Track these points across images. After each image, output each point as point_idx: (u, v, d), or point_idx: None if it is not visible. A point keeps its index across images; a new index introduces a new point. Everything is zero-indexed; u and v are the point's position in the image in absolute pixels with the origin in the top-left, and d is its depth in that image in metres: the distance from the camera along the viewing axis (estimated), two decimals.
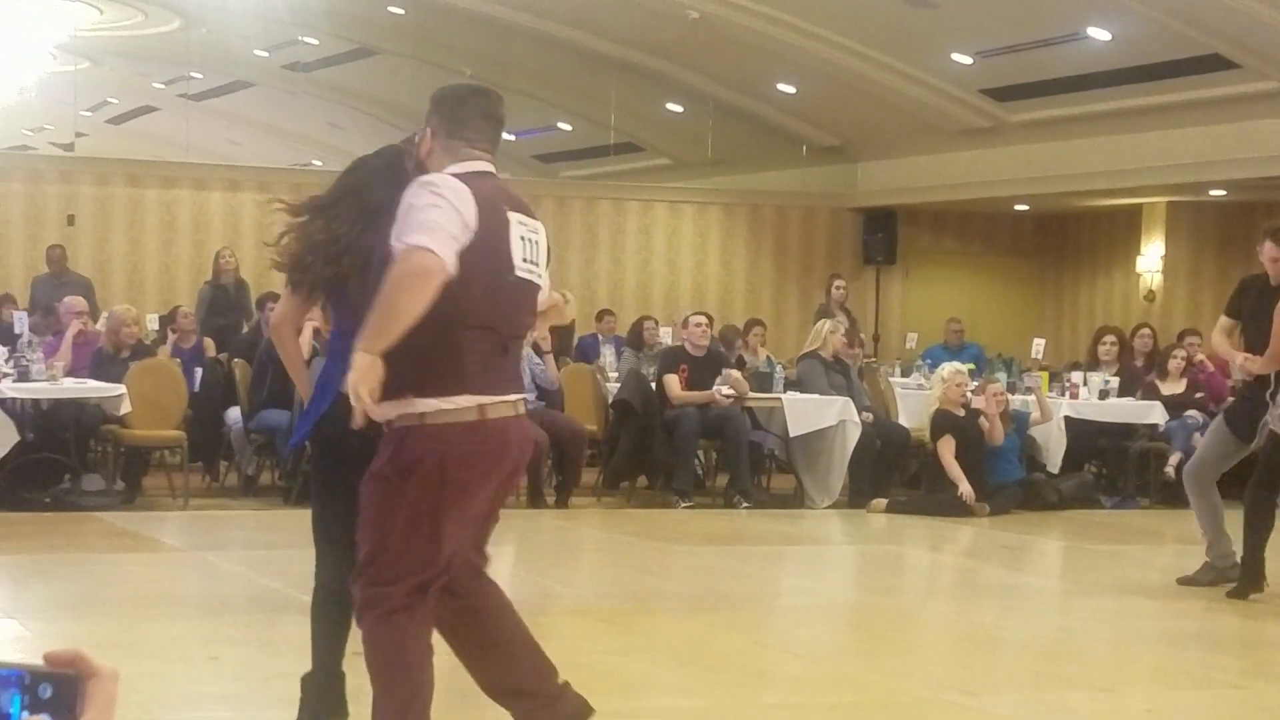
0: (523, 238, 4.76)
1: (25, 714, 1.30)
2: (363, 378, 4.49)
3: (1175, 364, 14.68)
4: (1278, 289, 9.48)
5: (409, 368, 4.58)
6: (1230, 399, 10.92)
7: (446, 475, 4.66)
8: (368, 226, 5.14)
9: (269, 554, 10.51)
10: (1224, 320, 9.87)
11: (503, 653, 5.02)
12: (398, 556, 4.75)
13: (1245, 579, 9.45)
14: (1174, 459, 14.15)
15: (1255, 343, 9.50)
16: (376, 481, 4.73)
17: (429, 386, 4.63)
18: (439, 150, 4.85)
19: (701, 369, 13.62)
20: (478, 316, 4.65)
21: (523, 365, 8.61)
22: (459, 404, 4.65)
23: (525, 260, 4.75)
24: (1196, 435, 14.23)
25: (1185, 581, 9.80)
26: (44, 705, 1.30)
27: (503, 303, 4.71)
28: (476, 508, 4.80)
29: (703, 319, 13.96)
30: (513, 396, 4.78)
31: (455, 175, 4.71)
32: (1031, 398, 14.33)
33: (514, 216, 4.75)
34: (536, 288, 4.85)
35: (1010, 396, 14.18)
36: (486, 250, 4.61)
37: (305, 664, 5.77)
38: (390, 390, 4.60)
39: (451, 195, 4.57)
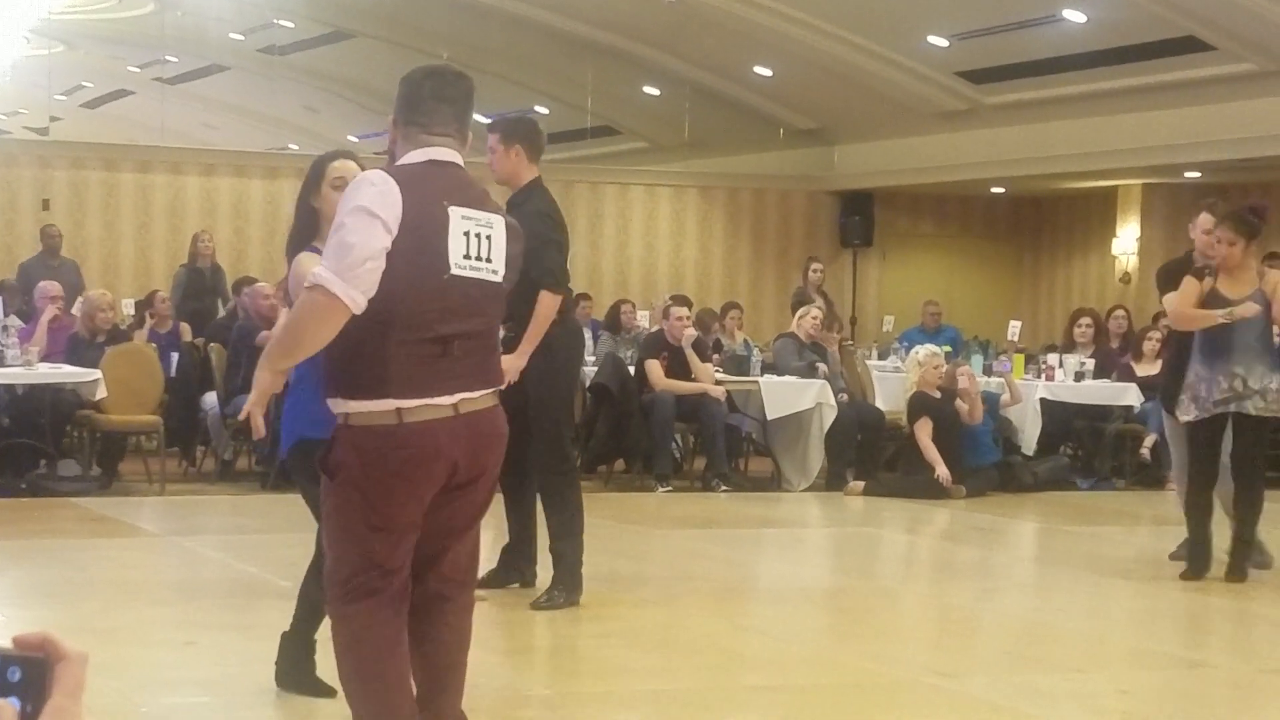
0: (468, 233, 4.55)
1: None
2: (260, 399, 4.93)
3: (1150, 345, 14.71)
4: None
5: (340, 369, 4.58)
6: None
7: (367, 479, 4.56)
8: None
9: (246, 539, 10.50)
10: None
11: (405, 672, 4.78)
12: (337, 558, 4.68)
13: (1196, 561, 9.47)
14: (1149, 440, 14.20)
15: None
16: (323, 481, 4.72)
17: (356, 390, 4.55)
18: (400, 138, 4.73)
19: (681, 358, 13.62)
20: (406, 318, 4.50)
21: None
22: (381, 407, 4.52)
23: (469, 257, 4.55)
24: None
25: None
26: (12, 688, 1.30)
27: (434, 302, 4.52)
28: (409, 514, 4.59)
29: (684, 311, 13.88)
30: (451, 398, 4.55)
31: (405, 166, 4.60)
32: (1002, 380, 14.36)
33: (458, 211, 4.54)
34: (489, 284, 4.62)
35: (982, 378, 14.23)
36: (415, 250, 4.45)
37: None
38: (326, 390, 4.65)
39: (378, 200, 4.42)
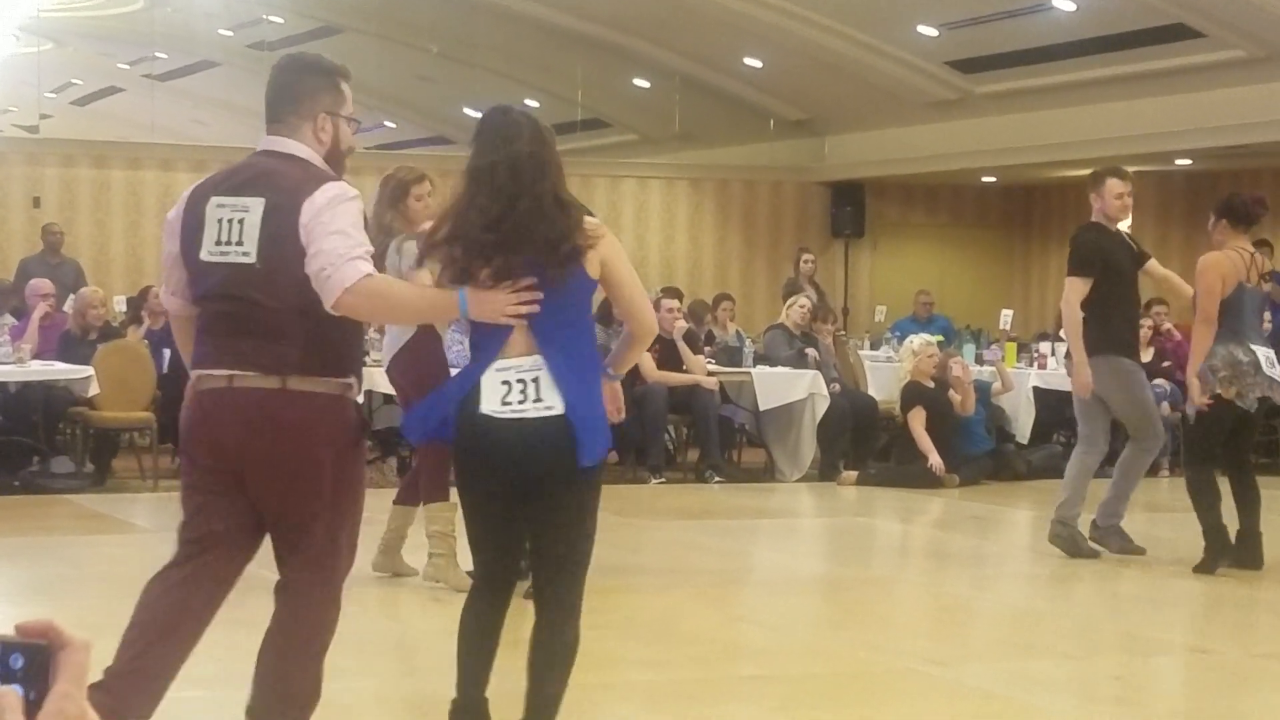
0: (220, 219, 4.78)
1: None
2: None
3: (1142, 333, 14.71)
4: (1120, 237, 9.81)
5: None
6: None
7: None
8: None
9: None
10: (1080, 283, 9.64)
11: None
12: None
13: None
14: None
15: (1129, 299, 9.75)
16: None
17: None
18: None
19: (672, 349, 13.63)
20: (195, 297, 4.88)
21: (447, 345, 8.63)
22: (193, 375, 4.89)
23: (219, 242, 4.77)
24: (1164, 404, 14.30)
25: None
26: (15, 676, 1.31)
27: (199, 283, 4.84)
28: (196, 478, 4.88)
29: (675, 303, 13.88)
30: (219, 371, 4.77)
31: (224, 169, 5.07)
32: (994, 368, 14.38)
33: (215, 200, 4.81)
34: (239, 265, 4.74)
35: (975, 367, 14.25)
36: (186, 240, 4.84)
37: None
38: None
39: (171, 213, 4.98)
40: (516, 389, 4.75)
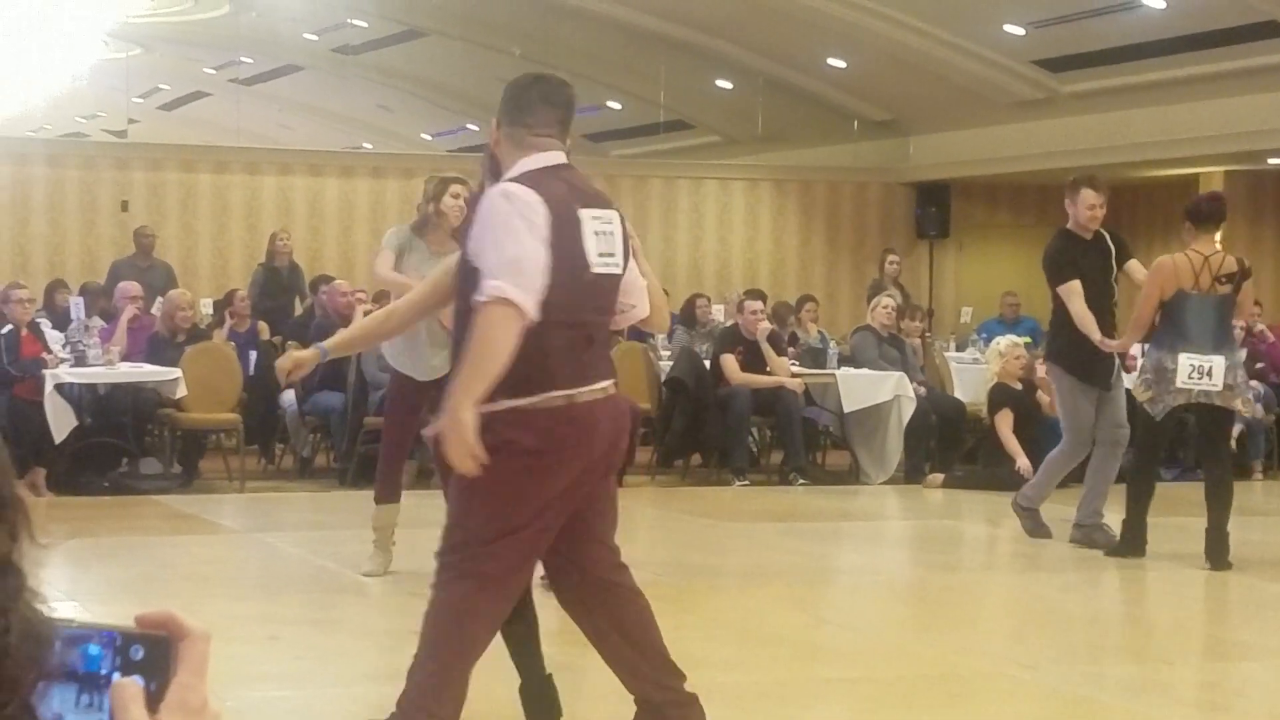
0: (596, 232, 4.80)
1: (117, 675, 1.29)
2: (460, 439, 4.52)
3: (1235, 334, 14.54)
4: (1096, 243, 9.93)
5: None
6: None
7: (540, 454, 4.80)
8: None
9: (325, 535, 10.55)
10: (1069, 287, 9.94)
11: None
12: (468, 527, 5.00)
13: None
14: (1235, 430, 14.03)
15: (1100, 308, 9.88)
16: None
17: (519, 386, 4.69)
18: (504, 140, 4.93)
19: (756, 351, 13.59)
20: (559, 313, 4.66)
21: None
22: (547, 398, 4.73)
23: (601, 255, 4.79)
24: (1257, 406, 14.12)
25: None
26: (135, 666, 1.30)
27: (584, 298, 4.77)
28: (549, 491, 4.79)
29: (759, 305, 13.80)
30: (601, 385, 4.83)
31: (527, 174, 4.75)
32: None
33: (586, 213, 4.77)
34: (617, 278, 4.88)
35: None
36: (562, 253, 4.65)
37: (361, 640, 5.78)
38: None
39: (527, 213, 4.61)
40: None
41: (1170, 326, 9.42)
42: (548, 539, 4.82)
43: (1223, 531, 9.43)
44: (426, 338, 8.12)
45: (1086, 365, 9.99)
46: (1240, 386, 9.60)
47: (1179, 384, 9.35)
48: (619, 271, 4.87)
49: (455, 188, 8.72)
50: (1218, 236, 9.86)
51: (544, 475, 4.71)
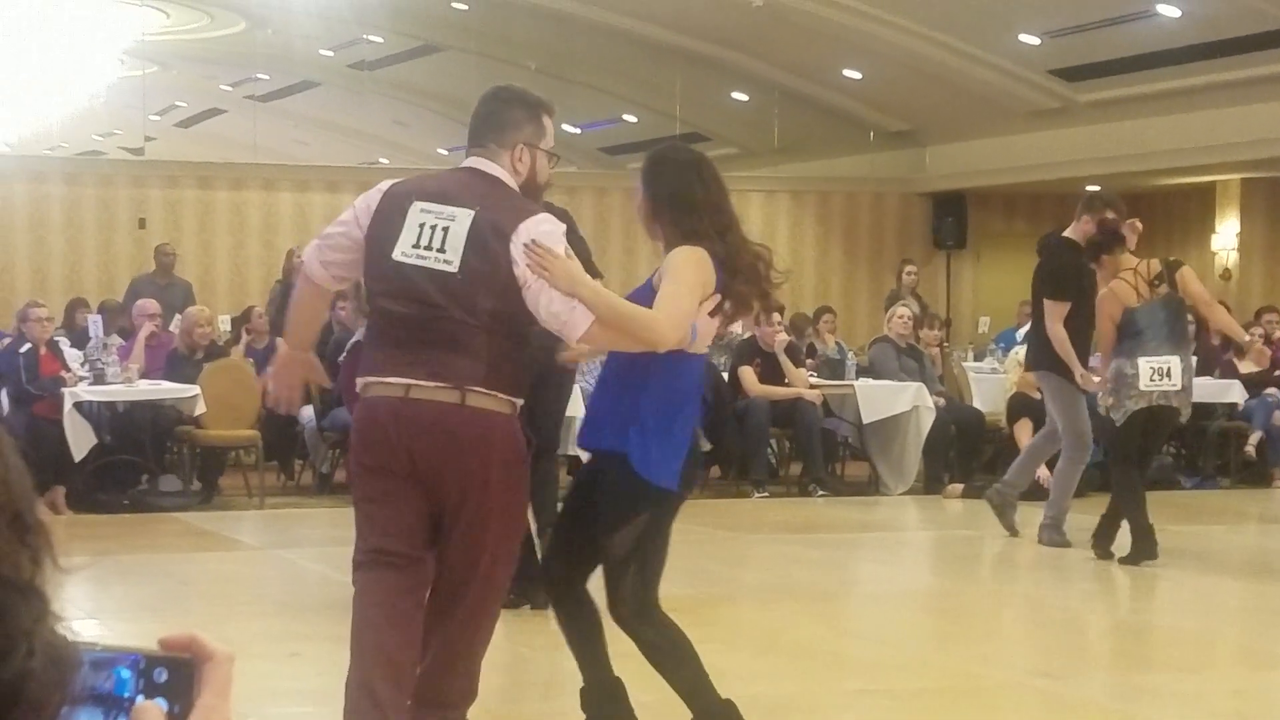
0: (422, 224, 4.79)
1: (140, 698, 1.28)
2: (275, 371, 5.43)
3: (1256, 342, 14.49)
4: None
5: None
6: None
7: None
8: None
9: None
10: (1061, 307, 10.19)
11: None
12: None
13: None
14: (1254, 438, 14.01)
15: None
16: None
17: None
18: None
19: (774, 363, 13.57)
20: (371, 297, 4.99)
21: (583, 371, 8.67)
22: (361, 382, 4.90)
23: (416, 246, 4.77)
24: (1276, 413, 14.08)
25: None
26: (159, 689, 1.29)
27: (385, 284, 4.86)
28: (369, 487, 4.88)
29: (776, 317, 13.75)
30: (399, 380, 4.76)
31: (423, 175, 5.26)
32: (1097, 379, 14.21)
33: (419, 205, 4.82)
34: (436, 273, 4.75)
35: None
36: (373, 238, 4.86)
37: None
38: None
39: (360, 200, 4.96)
40: None
41: (1126, 338, 9.74)
42: (380, 516, 4.85)
43: (1116, 526, 9.90)
44: None
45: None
46: (1190, 390, 9.93)
47: (1141, 387, 9.64)
48: (443, 269, 4.74)
49: None
50: (1129, 251, 10.08)
51: (354, 451, 4.95)
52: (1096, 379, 10.09)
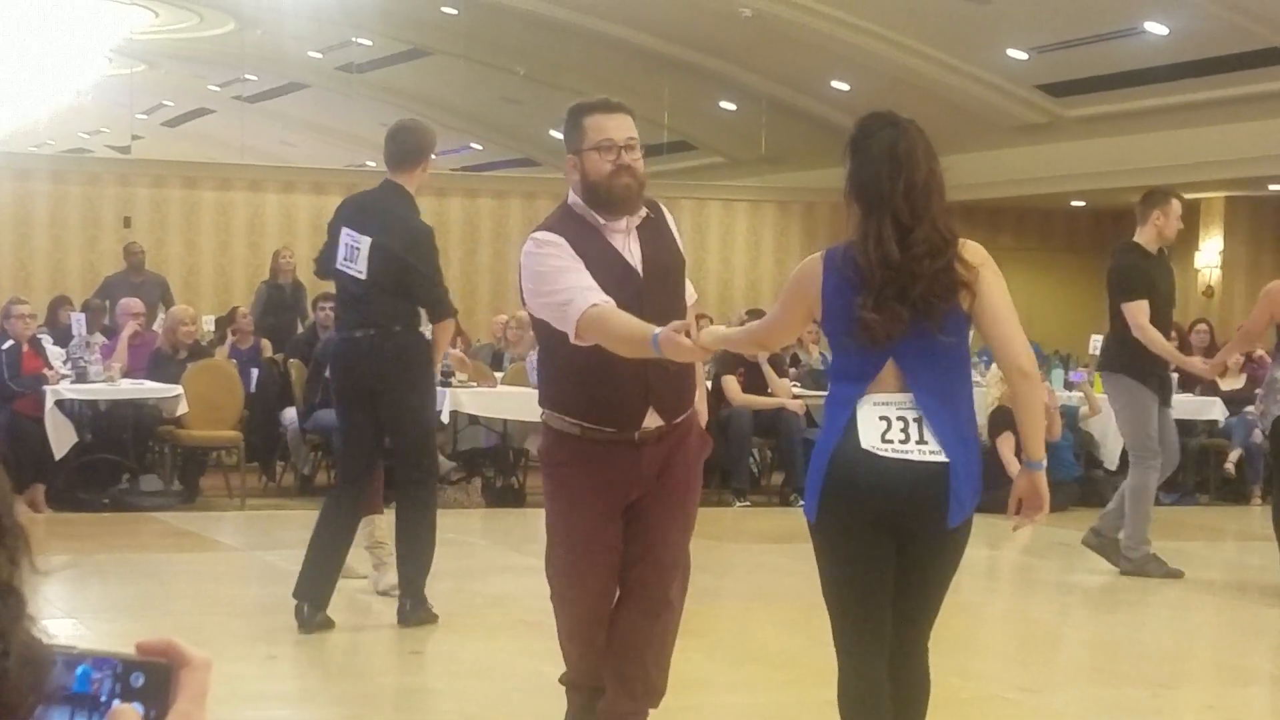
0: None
1: (117, 702, 1.29)
2: None
3: (1234, 360, 14.53)
4: (1161, 259, 9.90)
5: None
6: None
7: None
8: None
9: None
10: (1139, 306, 9.72)
11: None
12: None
13: None
14: (1234, 455, 14.05)
15: (1163, 324, 9.86)
16: None
17: None
18: None
19: (757, 373, 13.59)
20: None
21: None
22: None
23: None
24: (1257, 431, 14.11)
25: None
26: (136, 694, 1.30)
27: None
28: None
29: None
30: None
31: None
32: (1081, 394, 14.25)
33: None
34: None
35: (1063, 393, 14.12)
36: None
37: (361, 659, 5.74)
38: None
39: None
40: (897, 426, 4.41)
41: None
42: None
43: None
44: None
45: (1149, 375, 9.81)
46: None
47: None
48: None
49: None
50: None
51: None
52: (1232, 360, 9.68)
